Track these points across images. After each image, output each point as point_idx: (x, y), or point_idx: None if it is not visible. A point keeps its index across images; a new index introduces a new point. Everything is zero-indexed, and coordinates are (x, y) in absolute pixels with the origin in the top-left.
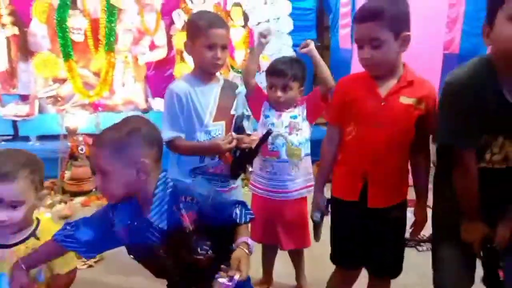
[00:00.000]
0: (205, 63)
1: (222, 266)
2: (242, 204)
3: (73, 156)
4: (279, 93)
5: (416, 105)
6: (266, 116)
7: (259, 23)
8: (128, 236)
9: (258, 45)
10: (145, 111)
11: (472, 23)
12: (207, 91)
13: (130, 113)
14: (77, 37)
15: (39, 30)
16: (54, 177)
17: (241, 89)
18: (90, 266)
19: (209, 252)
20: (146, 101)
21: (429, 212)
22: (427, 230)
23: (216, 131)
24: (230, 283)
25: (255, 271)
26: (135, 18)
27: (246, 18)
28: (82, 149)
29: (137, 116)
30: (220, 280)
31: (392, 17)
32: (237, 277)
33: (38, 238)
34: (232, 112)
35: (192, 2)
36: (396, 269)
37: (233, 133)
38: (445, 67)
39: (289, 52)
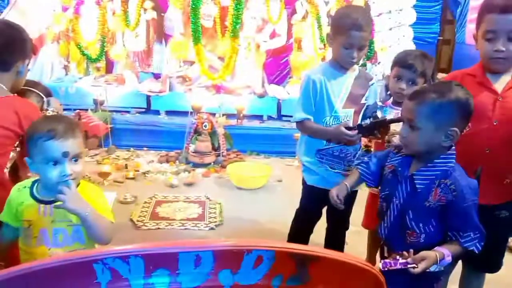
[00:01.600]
0: (340, 59)
1: (411, 251)
2: (482, 234)
3: (197, 131)
4: (403, 85)
5: None
6: (384, 112)
7: (380, 14)
8: (390, 175)
9: None
10: (261, 96)
11: None
12: (340, 80)
13: (248, 97)
14: (207, 23)
15: (174, 15)
16: (180, 148)
17: (375, 81)
18: (212, 228)
19: (421, 236)
20: (263, 86)
21: None
22: None
23: (344, 117)
24: (400, 266)
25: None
26: (260, 7)
27: (367, 8)
28: (205, 126)
29: (459, 84)
30: (398, 258)
31: None
32: (410, 267)
33: None
34: (363, 101)
35: None
36: (494, 265)
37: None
38: None
39: (410, 45)
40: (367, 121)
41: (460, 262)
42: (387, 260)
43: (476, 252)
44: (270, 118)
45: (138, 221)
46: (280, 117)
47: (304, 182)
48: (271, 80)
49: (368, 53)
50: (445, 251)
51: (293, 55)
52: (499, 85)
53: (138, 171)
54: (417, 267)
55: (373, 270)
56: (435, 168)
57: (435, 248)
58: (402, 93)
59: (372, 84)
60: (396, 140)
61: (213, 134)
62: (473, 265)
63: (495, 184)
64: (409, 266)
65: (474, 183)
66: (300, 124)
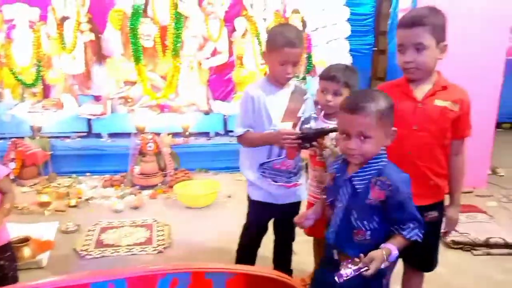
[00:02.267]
0: (276, 75)
1: (361, 256)
2: (420, 223)
3: (142, 153)
4: (330, 97)
5: (451, 107)
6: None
7: (316, 28)
8: (331, 183)
9: None
10: (207, 113)
11: None
12: (277, 95)
13: (194, 114)
14: (147, 42)
15: (112, 36)
16: (125, 171)
17: (310, 95)
18: (160, 251)
19: (367, 233)
20: (208, 103)
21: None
22: (481, 234)
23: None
24: (354, 273)
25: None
26: (200, 25)
27: (304, 24)
28: (150, 146)
29: (378, 90)
30: (350, 266)
31: (434, 25)
32: (363, 271)
33: None
34: (300, 114)
35: (253, 9)
36: (429, 264)
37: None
38: (509, 73)
39: (346, 57)
40: (309, 126)
41: (401, 262)
42: (340, 272)
43: (419, 240)
44: (217, 134)
45: (82, 250)
46: (227, 133)
47: (249, 198)
48: (216, 96)
49: (307, 67)
50: (391, 246)
51: (235, 71)
52: (420, 93)
53: (80, 198)
54: (369, 269)
55: (289, 281)
56: (370, 168)
57: (381, 246)
58: (329, 105)
59: (307, 98)
60: (326, 153)
61: (158, 154)
62: (410, 264)
63: (420, 185)
64: (361, 270)
65: (406, 176)
66: (241, 137)
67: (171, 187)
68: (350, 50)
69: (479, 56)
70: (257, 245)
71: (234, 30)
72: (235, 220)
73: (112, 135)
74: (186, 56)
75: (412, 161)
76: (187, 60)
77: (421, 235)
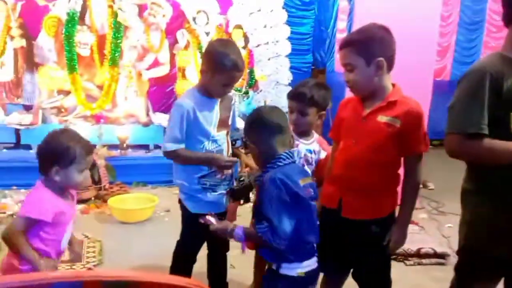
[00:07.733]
0: (214, 93)
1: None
2: (273, 229)
3: None
4: (295, 116)
5: (391, 122)
6: None
7: (258, 45)
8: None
9: None
10: (146, 125)
11: (462, 52)
12: (210, 106)
13: (132, 126)
14: (84, 51)
15: (46, 43)
16: None
17: (236, 100)
18: (90, 269)
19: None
20: (147, 115)
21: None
22: (413, 245)
23: (220, 139)
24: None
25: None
26: (140, 36)
27: (246, 39)
28: None
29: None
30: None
31: (362, 44)
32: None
33: None
34: (230, 122)
35: (196, 23)
36: (382, 285)
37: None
38: (436, 93)
39: (287, 74)
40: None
41: None
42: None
43: (264, 238)
44: (156, 147)
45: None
46: None
47: (186, 211)
48: (157, 108)
49: (250, 82)
50: (240, 229)
51: (177, 83)
52: (368, 109)
53: (4, 213)
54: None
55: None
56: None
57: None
58: (296, 124)
59: (233, 104)
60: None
61: (92, 166)
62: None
63: (356, 199)
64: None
65: (277, 176)
66: (172, 153)
67: (105, 201)
68: (291, 68)
69: (409, 77)
70: (194, 260)
71: (176, 42)
72: (172, 236)
73: None
74: (125, 66)
75: (349, 173)
76: (126, 70)
77: (271, 238)
